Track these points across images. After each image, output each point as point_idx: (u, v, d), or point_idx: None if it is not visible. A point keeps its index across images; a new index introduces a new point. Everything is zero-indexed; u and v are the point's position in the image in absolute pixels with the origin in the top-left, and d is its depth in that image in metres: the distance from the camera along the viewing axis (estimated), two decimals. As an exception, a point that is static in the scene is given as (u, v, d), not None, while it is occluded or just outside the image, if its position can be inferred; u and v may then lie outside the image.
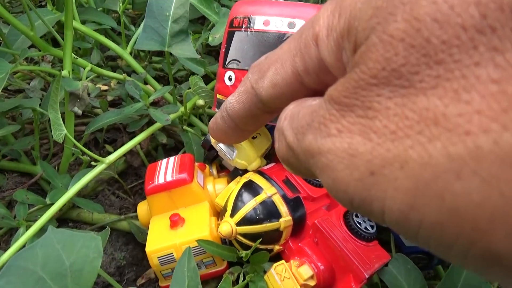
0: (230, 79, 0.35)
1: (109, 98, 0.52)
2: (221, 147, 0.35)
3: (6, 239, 0.41)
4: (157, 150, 0.50)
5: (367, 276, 0.28)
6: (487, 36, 0.09)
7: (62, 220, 0.43)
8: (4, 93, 0.56)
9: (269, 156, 0.42)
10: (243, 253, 0.31)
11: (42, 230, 0.32)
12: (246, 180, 0.33)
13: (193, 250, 0.32)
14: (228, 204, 0.32)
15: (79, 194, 0.44)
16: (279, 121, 0.15)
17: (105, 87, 0.52)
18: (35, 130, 0.44)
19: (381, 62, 0.10)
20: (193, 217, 0.34)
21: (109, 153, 0.40)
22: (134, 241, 0.42)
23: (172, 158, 0.38)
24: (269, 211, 0.31)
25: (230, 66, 0.35)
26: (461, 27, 0.09)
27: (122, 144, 0.41)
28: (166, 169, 0.36)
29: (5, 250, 0.32)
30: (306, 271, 0.30)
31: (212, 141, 0.36)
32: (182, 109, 0.45)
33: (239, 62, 0.35)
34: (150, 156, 0.50)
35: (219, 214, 0.35)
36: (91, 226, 0.43)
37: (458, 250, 0.10)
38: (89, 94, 0.42)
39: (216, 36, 0.49)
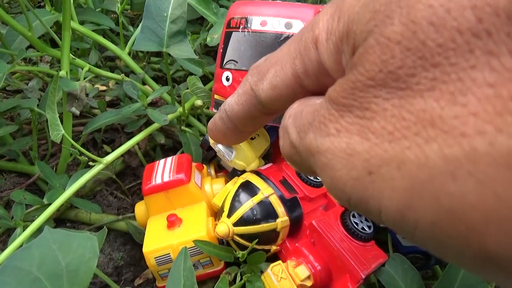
0: (227, 79, 0.35)
1: (108, 98, 0.52)
2: (219, 147, 0.35)
3: (4, 239, 0.41)
4: (155, 150, 0.50)
5: (363, 276, 0.28)
6: (483, 40, 0.09)
7: (60, 220, 0.43)
8: (2, 94, 0.56)
9: (267, 156, 0.42)
10: (239, 254, 0.31)
11: (39, 231, 0.32)
12: (243, 180, 0.33)
13: (190, 250, 0.32)
14: (225, 205, 0.32)
15: (77, 194, 0.44)
16: (284, 118, 0.15)
17: (104, 88, 0.52)
18: (33, 130, 0.45)
19: (378, 64, 0.11)
20: (190, 218, 0.34)
21: (107, 153, 0.40)
22: (132, 241, 0.42)
23: (169, 159, 0.38)
24: (266, 212, 0.31)
25: (227, 66, 0.35)
26: (457, 30, 0.09)
27: (120, 145, 0.41)
28: (164, 169, 0.36)
29: (3, 250, 0.32)
30: (302, 271, 0.30)
31: (211, 141, 0.36)
32: (180, 109, 0.45)
33: (237, 62, 0.35)
34: (148, 156, 0.50)
35: (216, 214, 0.35)
36: (89, 226, 0.43)
37: (454, 250, 0.10)
38: (87, 95, 0.42)
39: (214, 37, 0.49)
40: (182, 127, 0.45)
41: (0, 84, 0.33)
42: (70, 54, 0.41)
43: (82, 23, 0.53)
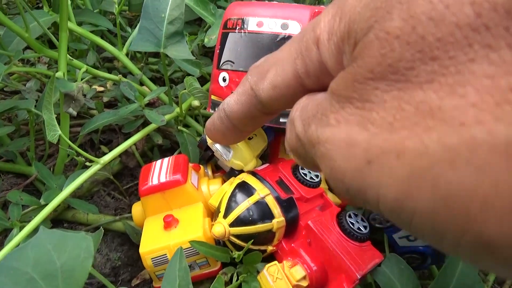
0: (224, 80, 0.35)
1: (105, 99, 0.52)
2: (217, 147, 0.35)
3: (1, 240, 0.41)
4: (152, 151, 0.50)
5: (359, 277, 0.28)
6: (482, 34, 0.09)
7: (57, 221, 0.43)
8: (0, 94, 0.57)
9: (265, 156, 0.42)
10: (236, 254, 0.31)
11: (35, 231, 0.32)
12: (240, 181, 0.33)
13: (186, 251, 0.32)
14: (221, 205, 0.32)
15: (74, 195, 0.44)
16: (292, 111, 0.16)
17: (101, 89, 0.52)
18: (31, 131, 0.45)
19: (377, 58, 0.11)
20: (187, 218, 0.34)
21: (105, 154, 0.40)
22: (129, 241, 0.42)
23: (166, 159, 0.38)
24: (262, 212, 0.31)
25: (224, 67, 0.35)
26: (456, 25, 0.09)
27: (118, 145, 0.41)
28: (160, 170, 0.36)
29: (-1, 251, 0.32)
30: (298, 271, 0.30)
31: (209, 141, 0.36)
32: (177, 109, 0.45)
33: (233, 63, 0.35)
34: (145, 157, 0.50)
35: (213, 215, 0.35)
36: (86, 226, 0.43)
37: (450, 238, 0.10)
38: (84, 95, 0.43)
39: (212, 38, 0.49)
40: (179, 127, 0.45)
41: (-3, 85, 0.33)
42: (68, 55, 0.41)
43: (80, 24, 0.53)
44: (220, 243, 0.34)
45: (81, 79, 0.42)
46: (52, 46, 0.57)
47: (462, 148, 0.09)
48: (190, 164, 0.38)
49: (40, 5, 0.71)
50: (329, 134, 0.12)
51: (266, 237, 0.32)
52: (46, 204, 0.35)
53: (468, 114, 0.09)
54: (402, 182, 0.10)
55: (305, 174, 0.35)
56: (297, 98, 0.16)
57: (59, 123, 0.36)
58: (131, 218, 0.42)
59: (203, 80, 0.49)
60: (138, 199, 0.45)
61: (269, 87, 0.16)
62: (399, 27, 0.10)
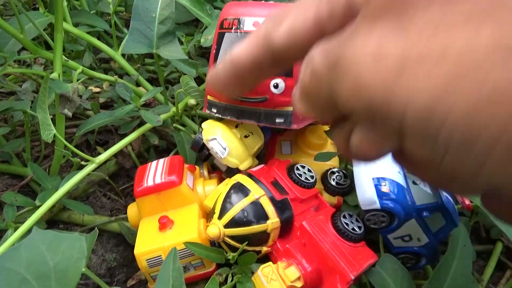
0: (220, 81, 0.35)
1: (101, 100, 0.52)
2: (212, 145, 0.35)
3: (-4, 241, 0.41)
4: (149, 151, 0.50)
5: (353, 277, 0.28)
6: None
7: (53, 221, 0.43)
8: (-3, 95, 0.56)
9: (261, 156, 0.42)
10: (230, 255, 0.31)
11: (30, 232, 0.32)
12: (234, 182, 0.33)
13: (181, 252, 0.32)
14: (216, 206, 0.32)
15: (70, 195, 0.44)
16: (312, 49, 0.15)
17: (97, 89, 0.52)
18: (26, 132, 0.45)
19: None
20: (182, 219, 0.34)
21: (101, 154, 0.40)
22: (125, 242, 0.42)
23: (161, 160, 0.38)
24: (257, 213, 0.31)
25: (220, 68, 0.35)
26: None
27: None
28: (156, 171, 0.36)
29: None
30: (293, 272, 0.30)
31: (204, 139, 0.36)
32: (173, 109, 0.45)
33: (229, 64, 0.35)
34: (142, 157, 0.50)
35: (208, 215, 0.35)
36: (82, 227, 0.43)
37: (484, 143, 0.10)
38: (80, 96, 0.43)
39: (208, 38, 0.49)
40: (175, 125, 0.45)
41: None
42: (63, 56, 0.41)
43: (76, 25, 0.53)
44: (215, 244, 0.34)
45: (77, 80, 0.42)
46: (49, 47, 0.57)
47: None
48: (186, 165, 0.38)
49: (37, 6, 0.71)
50: (355, 49, 0.12)
51: (261, 238, 0.32)
52: (41, 205, 0.35)
53: None
54: (438, 86, 0.10)
55: (300, 175, 0.35)
56: (309, 48, 0.15)
57: (54, 124, 0.36)
58: (127, 219, 0.42)
59: (199, 80, 0.49)
60: (134, 200, 0.45)
61: (285, 32, 0.16)
62: None
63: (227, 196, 0.32)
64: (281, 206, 0.32)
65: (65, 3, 0.49)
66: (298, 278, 0.30)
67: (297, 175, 0.35)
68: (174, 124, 0.45)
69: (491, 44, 0.09)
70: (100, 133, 0.53)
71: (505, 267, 0.42)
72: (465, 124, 0.10)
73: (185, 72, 0.48)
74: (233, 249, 0.32)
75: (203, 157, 0.39)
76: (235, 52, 0.19)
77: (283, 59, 0.17)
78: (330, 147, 0.41)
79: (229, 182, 0.34)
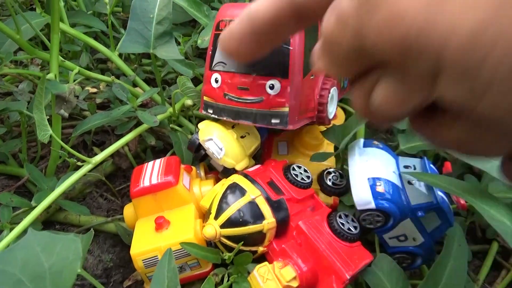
0: (216, 81, 0.35)
1: (98, 100, 0.52)
2: (209, 145, 0.35)
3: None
4: (145, 152, 0.50)
5: (348, 277, 0.29)
6: None
7: (50, 222, 0.43)
8: (-7, 96, 0.56)
9: (257, 157, 0.43)
10: (226, 255, 0.31)
11: (25, 233, 0.32)
12: (231, 182, 0.33)
13: (178, 252, 0.32)
14: (212, 206, 0.32)
15: (66, 196, 0.44)
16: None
17: (94, 90, 0.52)
18: (23, 132, 0.44)
19: None
20: (178, 220, 0.34)
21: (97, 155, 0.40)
22: (122, 243, 0.42)
23: (158, 161, 0.38)
24: (253, 213, 0.31)
25: (216, 68, 0.35)
26: None
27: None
28: (152, 171, 0.36)
29: (-11, 253, 0.32)
30: (289, 272, 0.30)
31: (200, 139, 0.36)
32: (170, 109, 0.45)
33: (225, 64, 0.35)
34: (139, 158, 0.50)
35: (204, 216, 0.35)
36: (78, 228, 0.43)
37: None
38: (77, 97, 0.42)
39: (205, 39, 0.49)
40: (171, 125, 0.45)
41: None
42: (60, 57, 0.41)
43: (73, 25, 0.53)
44: (211, 244, 0.34)
45: (74, 81, 0.42)
46: (46, 47, 0.57)
47: None
48: (182, 166, 0.38)
49: (35, 6, 0.71)
50: None
51: (257, 238, 0.32)
52: (37, 206, 0.35)
53: None
54: (487, 12, 0.09)
55: (296, 175, 0.35)
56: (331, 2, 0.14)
57: (51, 124, 0.36)
58: (123, 219, 0.42)
59: (196, 81, 0.49)
60: (131, 201, 0.45)
61: None
62: None
63: (223, 196, 0.32)
64: (277, 206, 0.32)
65: (62, 4, 0.49)
66: (294, 278, 0.30)
67: (293, 175, 0.35)
68: (171, 125, 0.45)
69: None
70: (96, 133, 0.53)
71: (500, 266, 0.42)
72: None
73: (182, 72, 0.48)
74: (229, 249, 0.32)
75: (199, 157, 0.39)
76: (253, 6, 0.17)
77: (306, 13, 0.16)
78: (326, 147, 0.41)
79: (225, 183, 0.34)
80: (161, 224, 0.33)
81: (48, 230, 0.40)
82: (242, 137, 0.38)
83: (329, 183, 0.38)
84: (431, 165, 0.36)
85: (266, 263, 0.31)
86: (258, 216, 0.31)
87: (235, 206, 0.31)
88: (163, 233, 0.33)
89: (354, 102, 0.15)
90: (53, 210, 0.42)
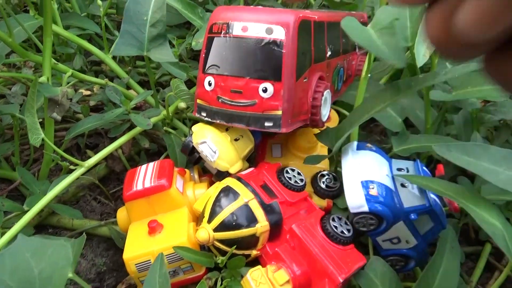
0: (209, 84, 0.35)
1: (92, 103, 0.52)
2: (202, 148, 0.35)
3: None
4: (139, 155, 0.50)
5: (341, 280, 0.29)
6: None
7: (42, 226, 0.43)
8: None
9: (251, 159, 0.43)
10: (219, 259, 0.31)
11: (16, 237, 0.32)
12: (224, 185, 0.33)
13: (171, 256, 0.32)
14: (205, 210, 0.32)
15: (59, 200, 0.43)
16: None
17: (88, 92, 0.52)
18: (15, 136, 0.44)
19: None
20: (172, 223, 0.34)
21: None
22: (115, 246, 0.42)
23: (151, 164, 0.38)
24: (246, 217, 0.31)
25: (209, 71, 0.35)
26: None
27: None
28: (145, 175, 0.36)
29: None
30: (282, 276, 0.30)
31: (194, 142, 0.36)
32: (164, 112, 0.45)
33: (219, 67, 0.35)
34: (132, 161, 0.50)
35: (198, 219, 0.35)
36: (71, 232, 0.42)
37: None
38: (70, 100, 0.42)
39: (199, 41, 0.49)
40: (165, 128, 0.45)
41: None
42: (53, 59, 0.41)
43: (67, 27, 0.53)
44: (205, 247, 0.34)
45: (67, 83, 0.42)
46: (39, 50, 0.57)
47: None
48: (176, 169, 0.38)
49: (28, 8, 0.70)
50: None
51: (250, 241, 0.32)
52: (29, 210, 0.35)
53: None
54: None
55: (290, 178, 0.35)
56: None
57: (43, 128, 0.36)
58: (117, 223, 0.41)
59: (190, 83, 0.49)
60: (124, 204, 0.45)
61: None
62: None
63: (217, 199, 0.32)
64: (270, 210, 0.32)
65: (55, 6, 0.49)
66: (287, 282, 0.30)
67: (287, 178, 0.35)
68: (164, 127, 0.45)
69: None
70: (90, 136, 0.52)
71: (493, 268, 0.42)
72: None
73: (176, 75, 0.48)
74: (223, 253, 0.31)
75: (193, 160, 0.39)
76: None
77: None
78: (320, 150, 0.41)
79: (218, 186, 0.34)
80: (154, 228, 0.33)
81: (40, 234, 0.40)
82: (235, 140, 0.38)
83: (323, 185, 0.38)
84: (424, 168, 0.36)
85: (259, 266, 0.31)
86: (251, 220, 0.31)
87: (228, 209, 0.31)
88: (156, 237, 0.33)
89: (429, 27, 0.12)
90: (46, 214, 0.42)
